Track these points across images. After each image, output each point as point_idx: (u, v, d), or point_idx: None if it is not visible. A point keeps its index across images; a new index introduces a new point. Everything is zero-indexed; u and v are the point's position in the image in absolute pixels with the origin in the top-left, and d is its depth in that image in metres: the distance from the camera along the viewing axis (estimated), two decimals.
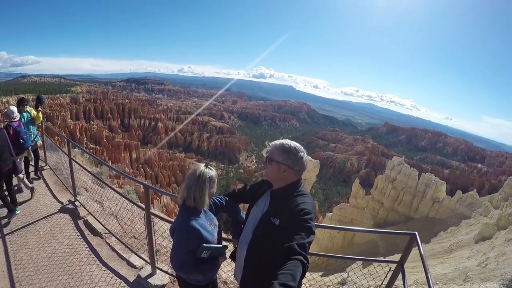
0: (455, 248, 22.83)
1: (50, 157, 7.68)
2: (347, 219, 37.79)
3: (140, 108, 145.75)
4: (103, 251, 4.33)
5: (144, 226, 3.88)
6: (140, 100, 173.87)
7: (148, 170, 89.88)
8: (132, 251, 4.26)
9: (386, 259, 3.78)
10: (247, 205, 2.35)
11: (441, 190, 36.24)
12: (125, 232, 4.98)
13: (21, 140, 5.32)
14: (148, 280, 3.73)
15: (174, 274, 3.30)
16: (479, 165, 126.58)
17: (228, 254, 2.30)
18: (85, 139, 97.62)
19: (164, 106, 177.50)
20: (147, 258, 3.93)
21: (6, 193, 4.96)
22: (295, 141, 1.93)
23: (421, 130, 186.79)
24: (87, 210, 5.19)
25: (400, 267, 2.78)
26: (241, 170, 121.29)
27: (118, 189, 6.72)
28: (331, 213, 40.84)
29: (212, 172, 2.09)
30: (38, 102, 6.83)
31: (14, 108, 5.65)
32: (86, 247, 4.36)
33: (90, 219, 5.06)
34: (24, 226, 4.71)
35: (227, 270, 3.97)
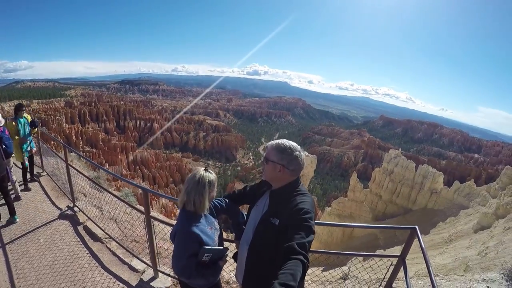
0: (454, 238, 23.01)
1: (47, 163, 7.60)
2: (346, 213, 37.89)
3: (135, 110, 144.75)
4: (105, 256, 4.31)
5: (144, 230, 3.88)
6: (135, 102, 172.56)
7: (146, 171, 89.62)
8: (134, 255, 4.26)
9: (387, 254, 3.80)
10: (247, 206, 2.36)
11: (438, 181, 36.45)
12: (125, 236, 4.96)
13: (3, 146, 5.09)
14: (151, 283, 3.74)
15: (176, 277, 3.29)
16: (476, 155, 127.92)
17: (231, 254, 2.31)
18: (81, 142, 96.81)
19: (159, 106, 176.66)
20: (148, 262, 3.93)
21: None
22: (292, 137, 1.94)
23: (417, 122, 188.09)
24: (86, 216, 5.17)
25: (401, 261, 2.81)
26: (239, 168, 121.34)
27: (116, 193, 6.69)
28: (329, 208, 40.92)
29: (211, 175, 2.10)
30: (31, 126, 6.54)
31: None
32: (87, 253, 4.34)
33: (89, 224, 5.03)
34: (24, 234, 4.67)
35: (229, 271, 3.97)
